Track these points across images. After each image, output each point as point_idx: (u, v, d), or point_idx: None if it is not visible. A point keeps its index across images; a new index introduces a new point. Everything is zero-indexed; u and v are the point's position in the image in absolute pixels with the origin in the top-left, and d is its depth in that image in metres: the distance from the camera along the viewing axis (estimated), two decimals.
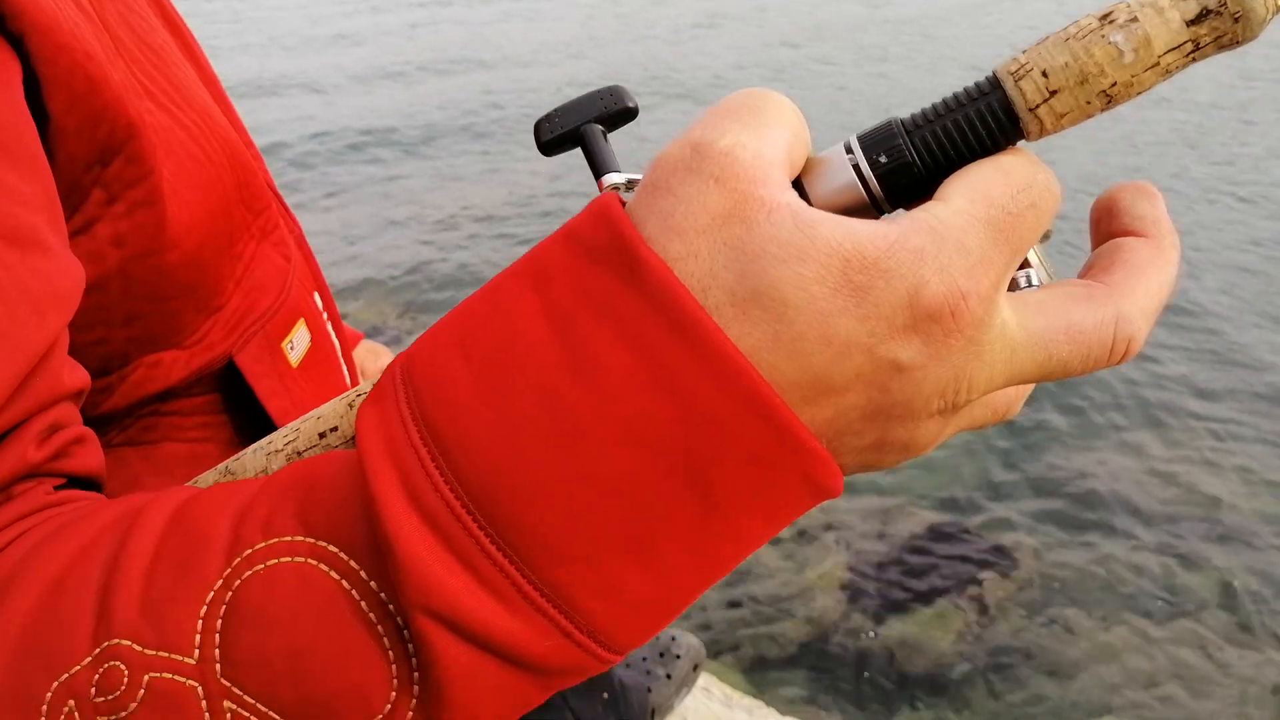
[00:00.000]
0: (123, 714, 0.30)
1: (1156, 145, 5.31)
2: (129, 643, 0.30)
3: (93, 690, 0.30)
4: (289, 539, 0.31)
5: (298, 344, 0.62)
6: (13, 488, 0.35)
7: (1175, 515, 2.64)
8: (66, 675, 0.30)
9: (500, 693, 0.31)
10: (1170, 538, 2.56)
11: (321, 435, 0.39)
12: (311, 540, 0.31)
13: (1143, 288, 0.31)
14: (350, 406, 0.39)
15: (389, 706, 0.30)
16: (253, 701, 0.30)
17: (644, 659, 1.43)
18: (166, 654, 0.30)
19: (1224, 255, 4.12)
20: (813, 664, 2.21)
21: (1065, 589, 2.39)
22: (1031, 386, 0.34)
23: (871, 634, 2.28)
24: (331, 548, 0.30)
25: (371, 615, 0.30)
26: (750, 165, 0.29)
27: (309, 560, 0.30)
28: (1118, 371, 3.32)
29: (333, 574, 0.30)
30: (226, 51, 7.76)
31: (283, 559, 0.30)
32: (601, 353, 0.28)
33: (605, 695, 1.27)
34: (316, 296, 0.68)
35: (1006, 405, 0.34)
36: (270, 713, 0.30)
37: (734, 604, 2.35)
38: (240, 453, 0.42)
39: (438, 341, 0.31)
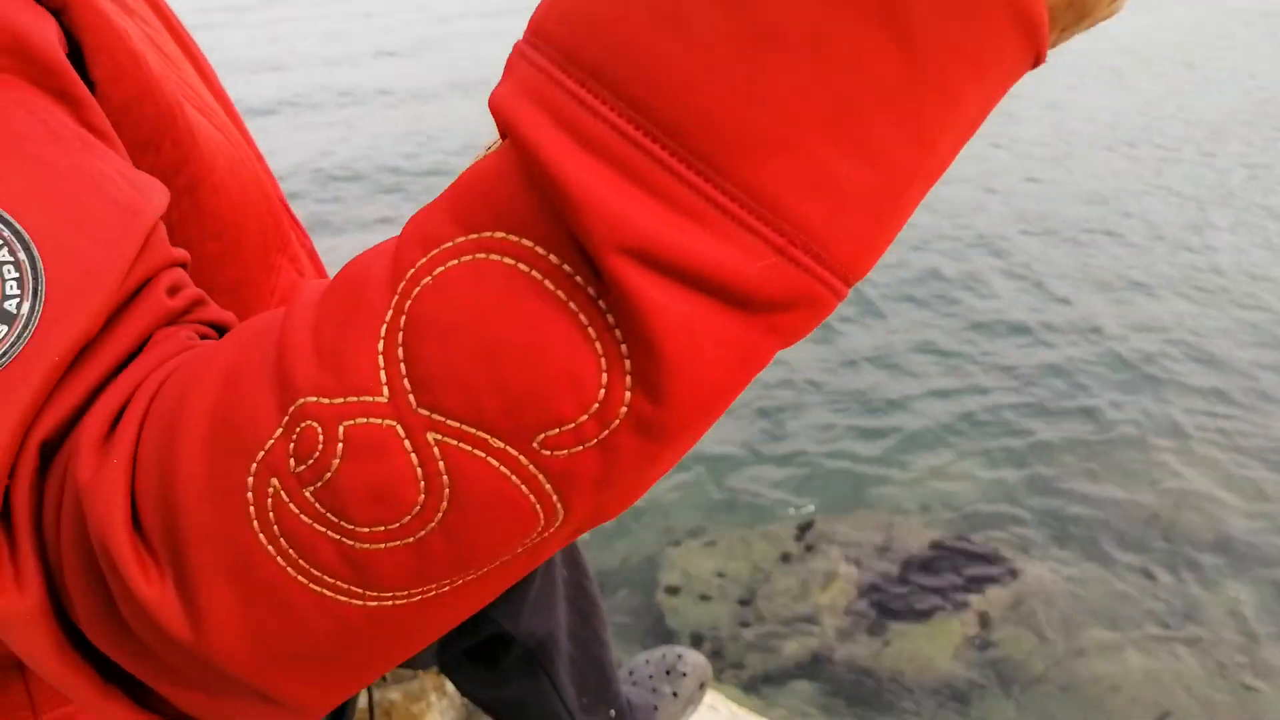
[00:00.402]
0: (327, 475, 0.28)
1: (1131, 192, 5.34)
2: (314, 398, 0.28)
3: (291, 461, 0.28)
4: (450, 244, 0.27)
5: None
6: (155, 333, 0.35)
7: (1185, 534, 2.63)
8: (262, 453, 0.28)
9: (722, 341, 0.26)
10: (1180, 557, 2.54)
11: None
12: (475, 235, 0.27)
13: None
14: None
15: (602, 390, 0.26)
16: (456, 425, 0.27)
17: (650, 676, 1.42)
18: (355, 398, 0.27)
19: (1237, 286, 4.11)
20: (819, 681, 2.20)
21: (1074, 608, 2.38)
22: None
23: (878, 651, 2.27)
24: (498, 234, 0.27)
25: (559, 291, 0.26)
26: None
27: (476, 255, 0.27)
28: (1129, 391, 3.30)
29: (506, 259, 0.26)
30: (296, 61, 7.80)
31: (449, 263, 0.27)
32: None
33: (612, 713, 1.26)
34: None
35: None
36: (478, 432, 0.27)
37: (742, 623, 2.34)
38: None
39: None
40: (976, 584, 2.45)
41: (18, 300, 0.32)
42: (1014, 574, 2.48)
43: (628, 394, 0.26)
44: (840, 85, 0.24)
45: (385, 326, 0.27)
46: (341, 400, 0.27)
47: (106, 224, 0.35)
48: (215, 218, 0.49)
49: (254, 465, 0.28)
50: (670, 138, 0.24)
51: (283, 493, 0.28)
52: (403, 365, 0.27)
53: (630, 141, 0.24)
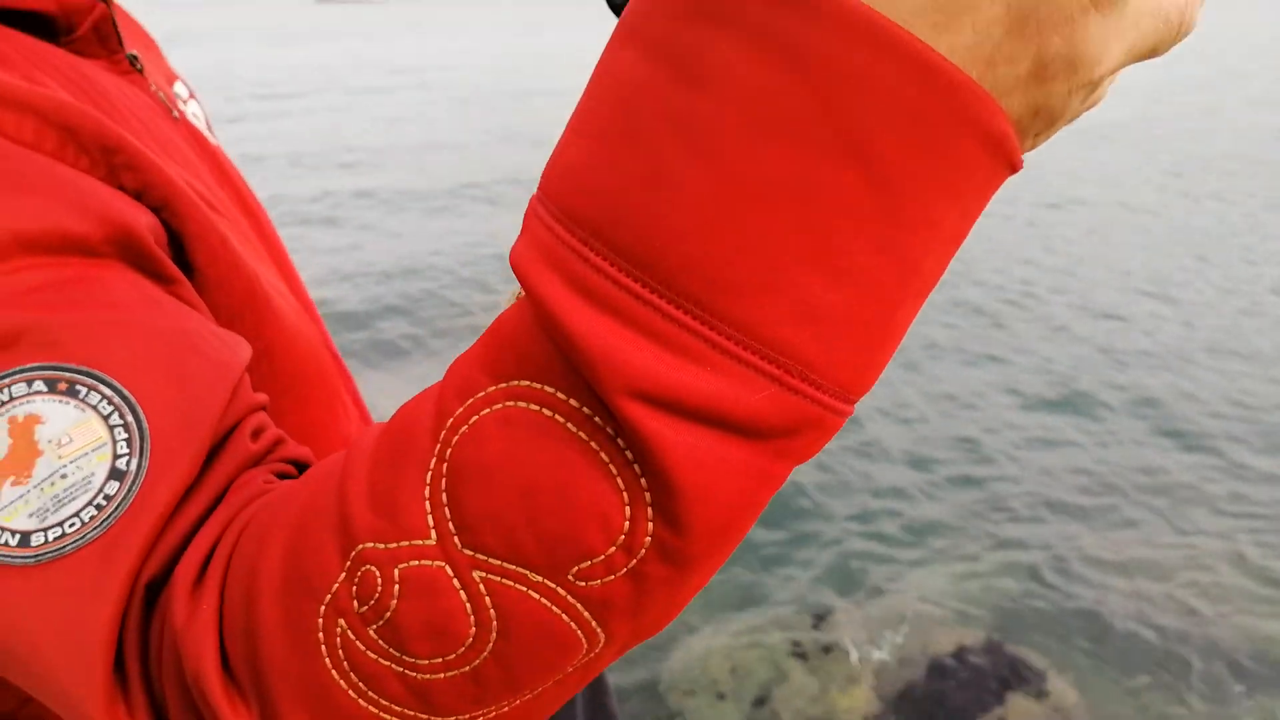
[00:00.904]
0: (387, 614, 0.30)
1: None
2: (371, 544, 0.30)
3: (355, 602, 0.31)
4: (483, 393, 0.30)
5: None
6: (239, 476, 0.39)
7: (1221, 646, 2.54)
8: (329, 596, 0.31)
9: (732, 470, 0.28)
10: (1215, 669, 2.45)
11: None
12: (504, 384, 0.30)
13: None
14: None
15: (627, 523, 0.28)
16: (498, 562, 0.29)
17: None
18: (407, 542, 0.30)
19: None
20: None
21: None
22: None
23: None
24: (522, 383, 0.29)
25: (581, 433, 0.28)
26: None
27: (506, 403, 0.29)
28: (1164, 491, 3.23)
29: (531, 406, 0.29)
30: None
31: (483, 412, 0.30)
32: (705, 54, 0.26)
33: None
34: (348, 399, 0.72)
35: (1179, 10, 0.29)
36: (518, 568, 0.29)
37: None
38: None
39: (560, 148, 0.30)
40: (1001, 694, 2.37)
41: (127, 458, 0.36)
42: (1042, 687, 2.39)
43: (650, 525, 0.28)
44: (818, 224, 0.26)
45: (430, 474, 0.30)
46: (395, 545, 0.30)
47: (200, 379, 0.39)
48: (285, 374, 0.55)
49: (323, 608, 0.31)
50: (666, 287, 0.26)
51: (349, 631, 0.31)
52: (447, 509, 0.30)
53: (630, 293, 0.27)
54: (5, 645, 0.34)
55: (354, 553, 0.31)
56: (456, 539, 0.29)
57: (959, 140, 0.25)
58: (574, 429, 0.28)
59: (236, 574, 0.34)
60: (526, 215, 0.30)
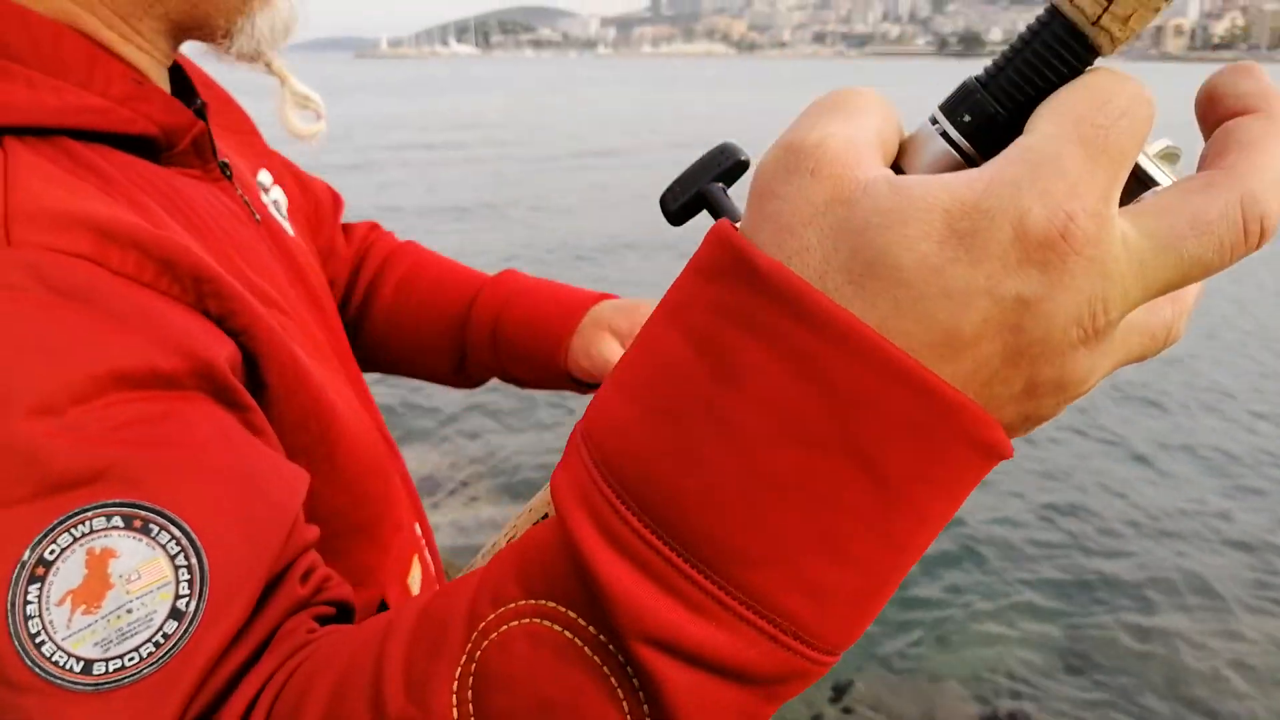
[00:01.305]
0: None
1: None
2: None
3: None
4: (514, 604, 0.33)
5: (415, 579, 0.70)
6: (286, 621, 0.41)
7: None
8: None
9: (726, 709, 0.31)
10: None
11: (534, 525, 0.41)
12: (534, 601, 0.33)
13: (1262, 161, 0.28)
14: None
15: None
16: None
17: None
18: None
19: None
20: None
21: None
22: (1190, 301, 0.32)
23: None
24: (550, 603, 0.32)
25: (596, 658, 0.32)
26: (842, 151, 0.30)
27: (534, 620, 0.33)
28: (1177, 558, 3.17)
29: (556, 627, 0.32)
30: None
31: (511, 623, 0.33)
32: (742, 358, 0.29)
33: None
34: (417, 526, 0.75)
35: (1166, 327, 0.32)
36: None
37: None
38: (472, 560, 0.48)
39: (605, 396, 0.34)
40: None
41: (187, 599, 0.38)
42: None
43: None
44: (825, 516, 0.29)
45: (460, 670, 0.33)
46: None
47: (260, 524, 0.42)
48: (346, 475, 0.59)
49: None
50: (685, 548, 0.30)
51: None
52: (471, 705, 0.33)
53: (653, 549, 0.30)
54: None
55: None
56: None
57: (956, 450, 0.29)
58: (591, 654, 0.32)
59: None
60: (570, 446, 0.34)
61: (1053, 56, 0.29)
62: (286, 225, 0.75)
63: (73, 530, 0.38)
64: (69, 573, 0.38)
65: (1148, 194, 0.30)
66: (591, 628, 0.32)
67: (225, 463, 0.43)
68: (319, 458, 0.56)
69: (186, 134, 0.58)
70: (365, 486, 0.62)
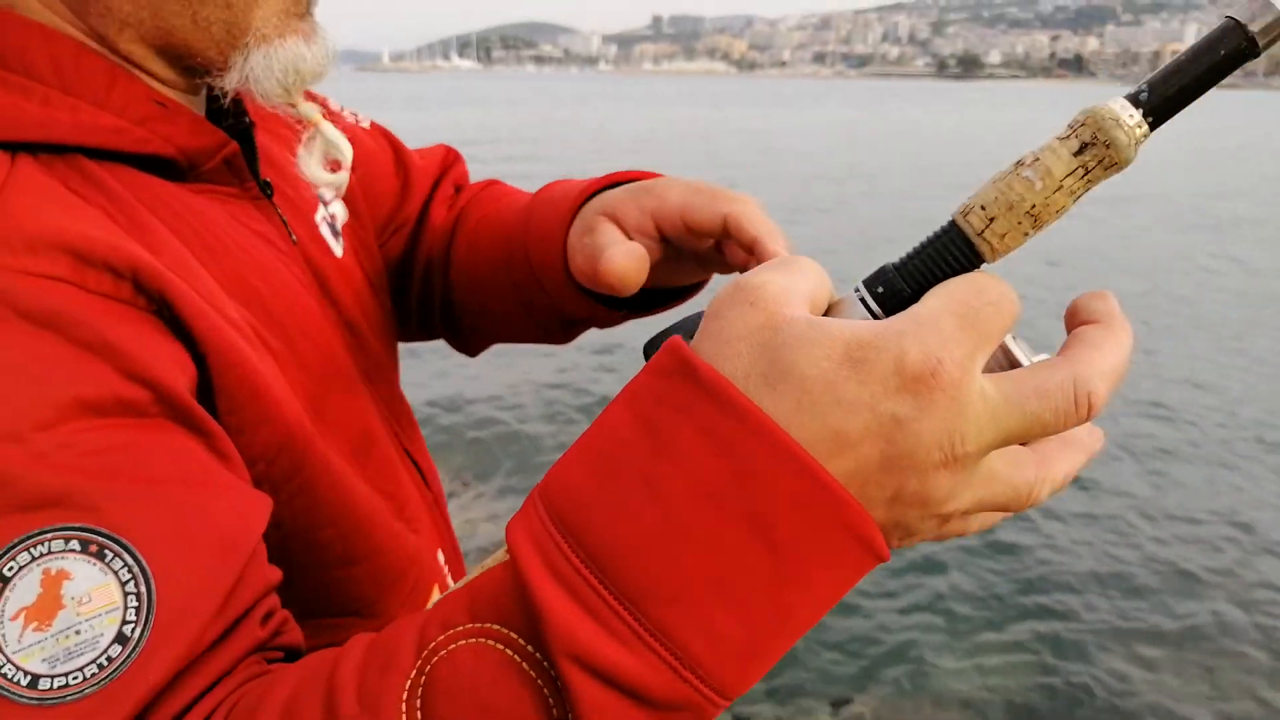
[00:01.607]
0: None
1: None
2: None
3: None
4: (462, 627, 0.39)
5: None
6: (243, 660, 0.44)
7: None
8: None
9: None
10: None
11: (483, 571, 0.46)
12: (480, 624, 0.39)
13: (1095, 355, 0.38)
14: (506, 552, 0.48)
15: None
16: None
17: None
18: None
19: None
20: None
21: None
22: (1057, 474, 0.40)
23: None
24: (495, 626, 0.38)
25: (532, 672, 0.38)
26: (778, 293, 0.39)
27: (479, 640, 0.38)
28: (1193, 596, 3.17)
29: (498, 646, 0.38)
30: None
31: (460, 642, 0.39)
32: (674, 435, 0.37)
33: None
34: (440, 554, 0.75)
35: (1029, 486, 0.39)
36: None
37: None
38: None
39: (562, 463, 0.41)
40: None
41: (133, 625, 0.40)
42: None
43: None
44: (726, 571, 0.36)
45: (410, 681, 0.38)
46: None
47: (213, 559, 0.44)
48: (331, 508, 0.59)
49: None
50: (613, 585, 0.37)
51: None
52: (420, 713, 0.38)
53: (586, 583, 0.37)
54: None
55: None
56: None
57: (836, 534, 0.36)
58: (528, 669, 0.38)
59: None
60: (527, 502, 0.41)
61: (949, 255, 0.40)
62: (334, 244, 0.74)
63: (32, 549, 0.39)
64: (24, 590, 0.39)
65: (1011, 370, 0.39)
66: (529, 646, 0.38)
67: (181, 496, 0.44)
68: (293, 491, 0.56)
69: (215, 154, 0.58)
70: (356, 520, 0.61)
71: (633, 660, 0.36)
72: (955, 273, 0.39)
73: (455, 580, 0.76)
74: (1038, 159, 0.38)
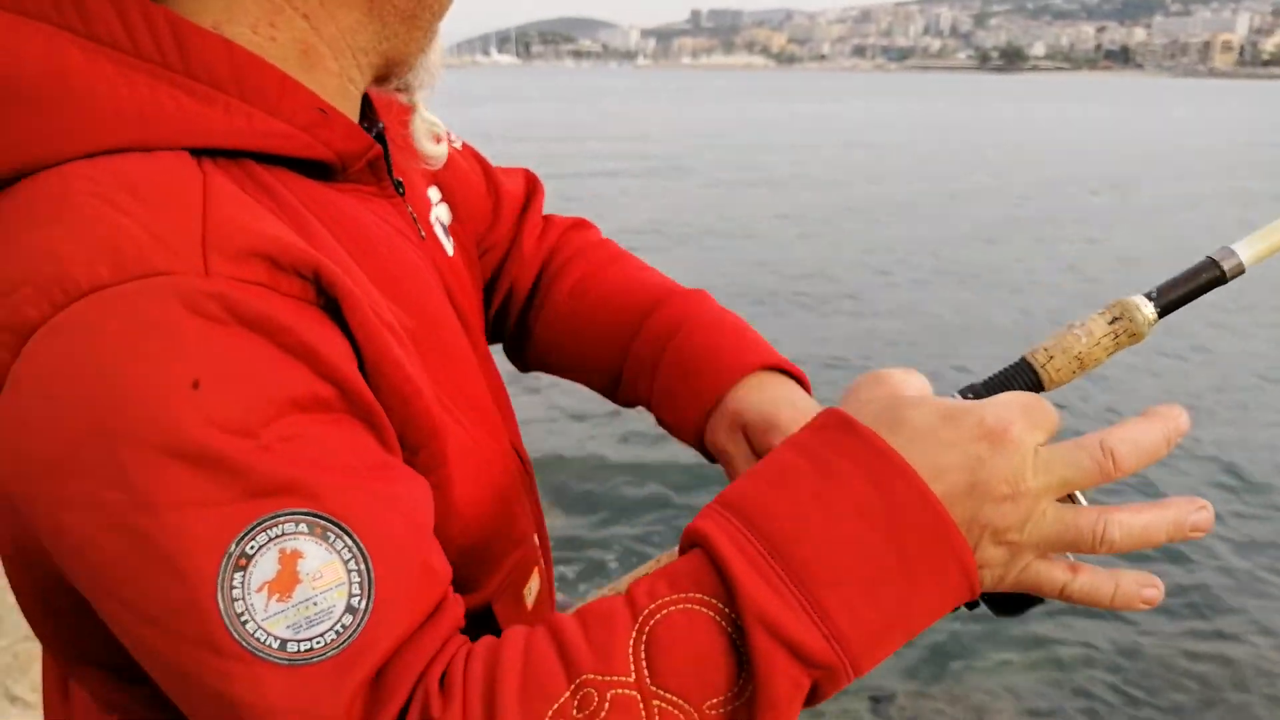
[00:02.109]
0: (599, 718, 0.47)
1: None
2: (592, 675, 0.47)
3: (574, 710, 0.47)
4: (670, 597, 0.50)
5: (533, 589, 0.74)
6: (453, 633, 0.51)
7: None
8: (558, 703, 0.47)
9: (783, 674, 0.48)
10: None
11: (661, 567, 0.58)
12: (685, 594, 0.50)
13: (1123, 426, 0.52)
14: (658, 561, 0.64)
15: (737, 684, 0.49)
16: (672, 697, 0.48)
17: None
18: (616, 677, 0.47)
19: None
20: None
21: None
22: (1123, 518, 0.51)
23: None
24: (697, 595, 0.50)
25: (728, 629, 0.48)
26: (899, 378, 0.63)
27: (687, 605, 0.49)
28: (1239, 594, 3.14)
29: (703, 610, 0.49)
30: None
31: (670, 608, 0.49)
32: (836, 465, 0.51)
33: None
34: (535, 537, 0.78)
35: (1091, 525, 0.51)
36: (682, 702, 0.48)
37: None
38: (581, 598, 0.61)
39: (742, 483, 0.54)
40: None
41: (359, 598, 0.46)
42: None
43: (742, 688, 0.49)
44: (867, 567, 0.49)
45: (632, 638, 0.48)
46: (607, 678, 0.47)
47: (408, 542, 0.50)
48: (459, 502, 0.62)
49: (551, 710, 0.46)
50: (786, 569, 0.49)
51: None
52: (644, 661, 0.48)
53: (771, 568, 0.49)
54: (255, 718, 0.44)
55: (579, 679, 0.47)
56: (648, 679, 0.47)
57: (942, 548, 0.50)
58: (725, 626, 0.48)
59: (473, 686, 0.47)
60: (709, 508, 0.53)
61: (1020, 379, 0.59)
62: (446, 243, 0.78)
63: (268, 531, 0.44)
64: (265, 566, 0.44)
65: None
66: (726, 609, 0.49)
67: (374, 484, 0.49)
68: (431, 485, 0.58)
69: (362, 157, 0.61)
70: (481, 511, 0.65)
71: (798, 627, 0.47)
72: (1025, 390, 0.57)
73: (548, 562, 0.82)
74: (1084, 323, 0.58)
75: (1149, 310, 0.57)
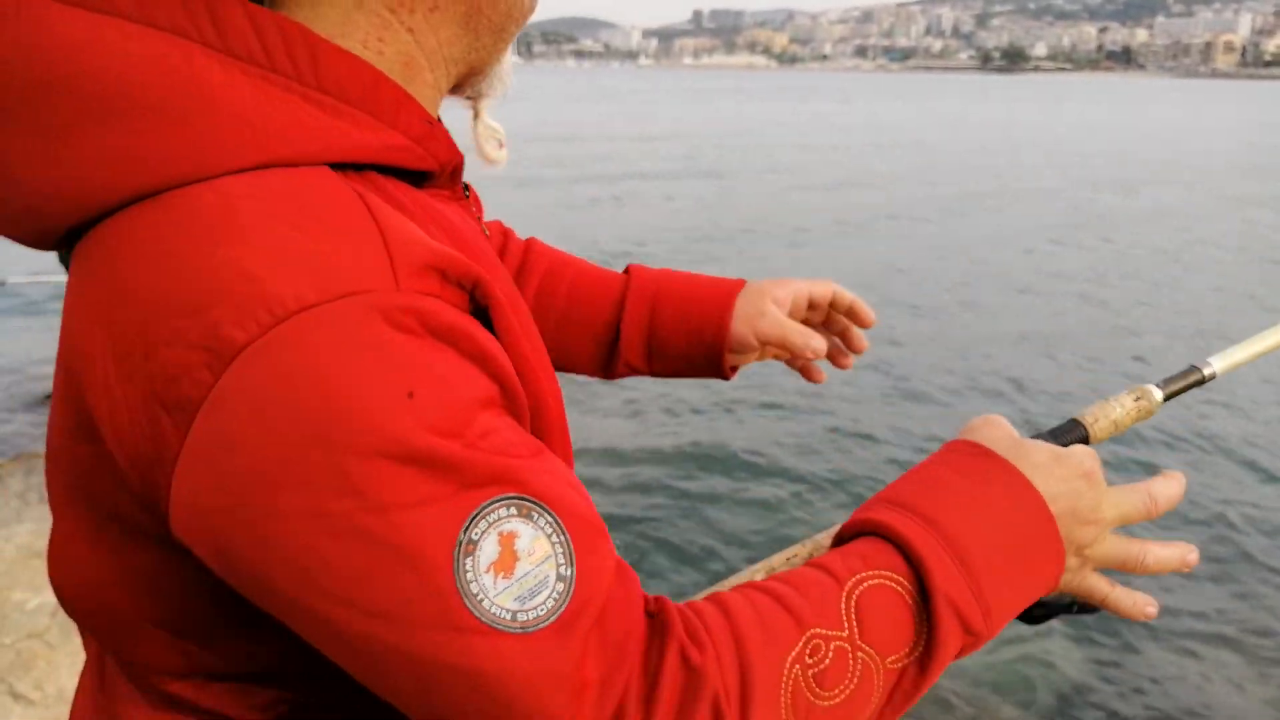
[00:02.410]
0: (823, 665, 0.56)
1: None
2: (819, 629, 0.57)
3: (806, 658, 0.56)
4: (867, 573, 0.60)
5: None
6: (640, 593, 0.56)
7: None
8: (793, 652, 0.56)
9: (953, 642, 0.59)
10: None
11: (836, 546, 0.67)
12: (878, 572, 0.60)
13: (1159, 481, 0.70)
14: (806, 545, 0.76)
15: (920, 646, 0.59)
16: (870, 650, 0.57)
17: None
18: (835, 632, 0.57)
19: None
20: None
21: None
22: (1158, 550, 0.70)
23: None
24: (888, 573, 0.60)
25: (913, 604, 0.59)
26: (1006, 423, 0.72)
27: (882, 580, 0.60)
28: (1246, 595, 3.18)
29: (895, 586, 0.60)
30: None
31: (869, 581, 0.59)
32: (987, 482, 0.65)
33: None
34: None
35: (1136, 552, 0.69)
36: (876, 655, 0.58)
37: None
38: (734, 577, 0.75)
39: (901, 487, 0.66)
40: None
41: (564, 566, 0.50)
42: None
43: (921, 649, 0.60)
44: (1008, 561, 0.62)
45: (843, 603, 0.58)
46: (829, 632, 0.57)
47: (582, 507, 0.54)
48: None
49: (789, 657, 0.55)
50: (959, 562, 0.61)
51: (798, 673, 0.55)
52: (855, 618, 0.58)
53: (952, 560, 0.60)
54: (501, 683, 0.48)
55: (809, 632, 0.56)
56: (857, 634, 0.57)
57: (1052, 548, 0.65)
58: (911, 601, 0.59)
59: (720, 635, 0.55)
60: (882, 506, 0.64)
61: (1074, 435, 0.76)
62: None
63: (487, 518, 0.48)
64: (489, 549, 0.48)
65: None
66: (911, 587, 0.60)
67: (550, 465, 0.53)
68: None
69: (451, 164, 0.64)
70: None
71: (967, 605, 0.60)
72: (1077, 442, 0.75)
73: None
74: (1119, 399, 0.78)
75: (1158, 396, 0.79)
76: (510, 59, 0.70)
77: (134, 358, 0.48)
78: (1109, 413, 0.77)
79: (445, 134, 0.62)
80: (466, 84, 0.68)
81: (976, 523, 0.62)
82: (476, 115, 0.74)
